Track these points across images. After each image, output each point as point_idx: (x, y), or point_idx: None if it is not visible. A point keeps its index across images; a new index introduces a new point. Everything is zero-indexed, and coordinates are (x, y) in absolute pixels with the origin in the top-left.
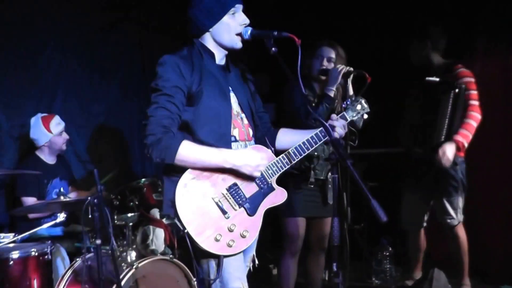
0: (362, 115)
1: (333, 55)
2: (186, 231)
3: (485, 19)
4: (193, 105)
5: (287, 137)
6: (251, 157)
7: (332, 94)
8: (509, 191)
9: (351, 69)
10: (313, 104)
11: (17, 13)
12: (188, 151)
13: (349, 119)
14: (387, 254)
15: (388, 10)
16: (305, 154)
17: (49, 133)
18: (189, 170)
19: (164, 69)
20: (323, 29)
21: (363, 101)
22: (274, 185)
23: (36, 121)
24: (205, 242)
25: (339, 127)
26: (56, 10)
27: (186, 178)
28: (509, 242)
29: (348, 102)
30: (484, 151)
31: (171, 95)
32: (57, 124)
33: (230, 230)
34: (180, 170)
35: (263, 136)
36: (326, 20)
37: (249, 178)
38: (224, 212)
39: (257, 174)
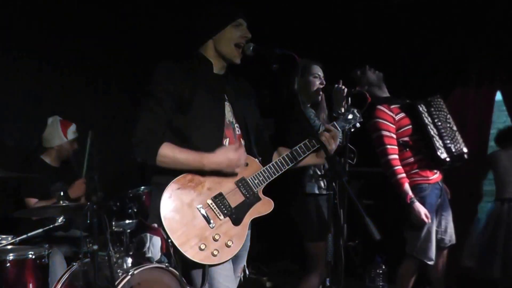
0: (354, 125)
1: (321, 72)
2: (170, 240)
3: (479, 50)
4: (185, 111)
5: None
6: (229, 153)
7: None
8: None
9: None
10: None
11: (18, 16)
12: (168, 152)
13: (340, 129)
14: (381, 272)
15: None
16: (293, 164)
17: (64, 137)
18: (174, 180)
19: (158, 73)
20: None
21: (355, 111)
22: (261, 195)
23: (54, 122)
24: (189, 251)
25: (330, 138)
26: (58, 19)
27: (172, 188)
28: None
29: (339, 112)
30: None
31: (160, 98)
32: (73, 132)
33: (215, 240)
34: (167, 179)
35: (259, 152)
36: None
37: (234, 188)
38: (208, 221)
39: (241, 162)
